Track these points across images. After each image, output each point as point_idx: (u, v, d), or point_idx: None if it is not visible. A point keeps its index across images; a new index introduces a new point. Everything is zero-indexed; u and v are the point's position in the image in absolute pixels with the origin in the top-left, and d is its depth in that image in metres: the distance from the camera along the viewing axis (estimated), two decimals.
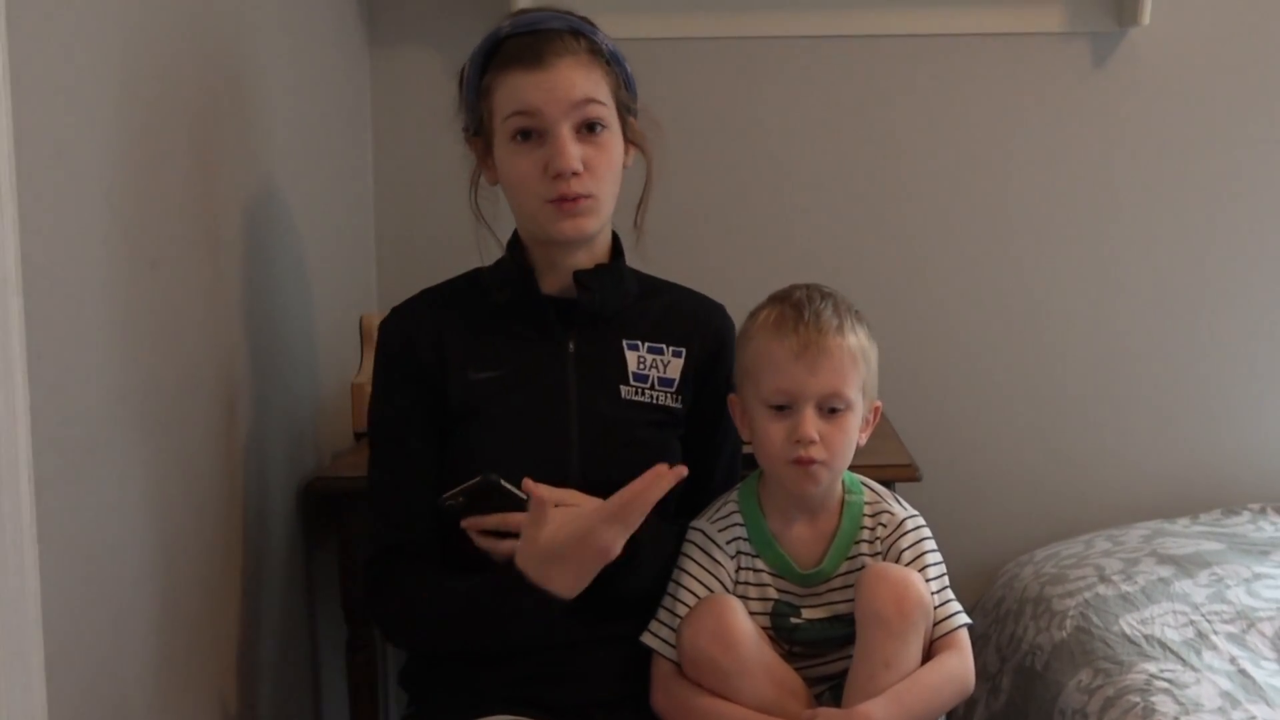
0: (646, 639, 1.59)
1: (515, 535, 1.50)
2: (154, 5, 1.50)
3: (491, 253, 1.65)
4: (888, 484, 1.72)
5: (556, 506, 1.46)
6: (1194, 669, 1.84)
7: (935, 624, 1.54)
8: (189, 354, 1.59)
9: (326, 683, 2.19)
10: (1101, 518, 2.56)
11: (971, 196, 2.54)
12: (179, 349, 1.56)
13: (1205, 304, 2.56)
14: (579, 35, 1.55)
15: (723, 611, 1.52)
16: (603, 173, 1.54)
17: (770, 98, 2.51)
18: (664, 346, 1.65)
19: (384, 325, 1.65)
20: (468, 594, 1.51)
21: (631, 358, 1.63)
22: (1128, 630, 1.97)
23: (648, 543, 1.54)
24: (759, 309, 1.60)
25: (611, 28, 1.64)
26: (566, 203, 1.53)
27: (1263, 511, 2.47)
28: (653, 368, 1.64)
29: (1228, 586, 2.07)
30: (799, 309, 1.55)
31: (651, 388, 1.63)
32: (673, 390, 1.64)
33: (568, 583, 1.44)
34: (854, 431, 1.56)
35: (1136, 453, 2.59)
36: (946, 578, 1.59)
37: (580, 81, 1.52)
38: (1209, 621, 1.98)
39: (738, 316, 1.69)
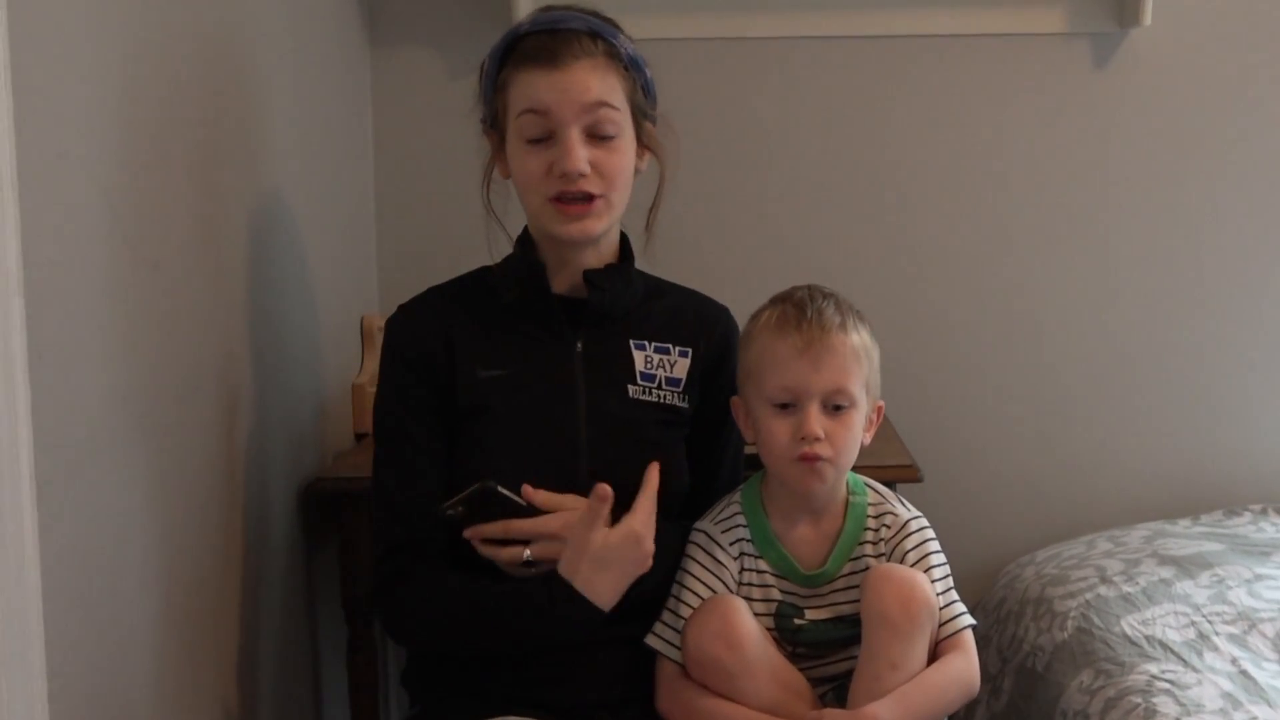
0: (651, 641, 1.58)
1: (517, 542, 1.50)
2: (155, 7, 1.50)
3: (501, 248, 1.65)
4: (889, 485, 1.72)
5: (558, 512, 1.49)
6: (1195, 670, 1.84)
7: (940, 625, 1.54)
8: (190, 355, 1.59)
9: (327, 683, 2.19)
10: (1102, 519, 2.56)
11: (972, 197, 2.54)
12: (180, 350, 1.56)
13: (1206, 304, 2.56)
14: (597, 38, 1.54)
15: (727, 612, 1.52)
16: (612, 176, 1.54)
17: (771, 98, 2.51)
18: (670, 347, 1.65)
19: (391, 322, 1.64)
20: (494, 599, 1.51)
21: (639, 357, 1.63)
22: (1129, 631, 1.97)
23: (658, 545, 1.55)
24: (761, 310, 1.60)
25: None
26: (573, 205, 1.53)
27: (1264, 512, 2.47)
28: (659, 367, 1.64)
29: (1229, 588, 2.07)
30: (801, 307, 1.55)
31: (659, 387, 1.63)
32: (679, 390, 1.64)
33: (610, 590, 1.49)
34: (858, 429, 1.56)
35: (1137, 454, 2.59)
36: (951, 579, 1.59)
37: (594, 84, 1.51)
38: (1210, 622, 1.98)
39: (738, 316, 1.69)
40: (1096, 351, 2.57)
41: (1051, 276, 2.55)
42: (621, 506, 1.51)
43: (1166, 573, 2.14)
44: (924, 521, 1.63)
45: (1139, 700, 1.77)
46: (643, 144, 1.59)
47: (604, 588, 1.48)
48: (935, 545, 1.60)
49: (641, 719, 1.58)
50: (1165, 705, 1.74)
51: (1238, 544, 2.27)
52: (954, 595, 1.58)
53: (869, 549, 1.60)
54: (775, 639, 1.57)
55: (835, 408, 1.54)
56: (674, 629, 1.57)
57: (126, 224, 1.41)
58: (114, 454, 1.39)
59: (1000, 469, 2.59)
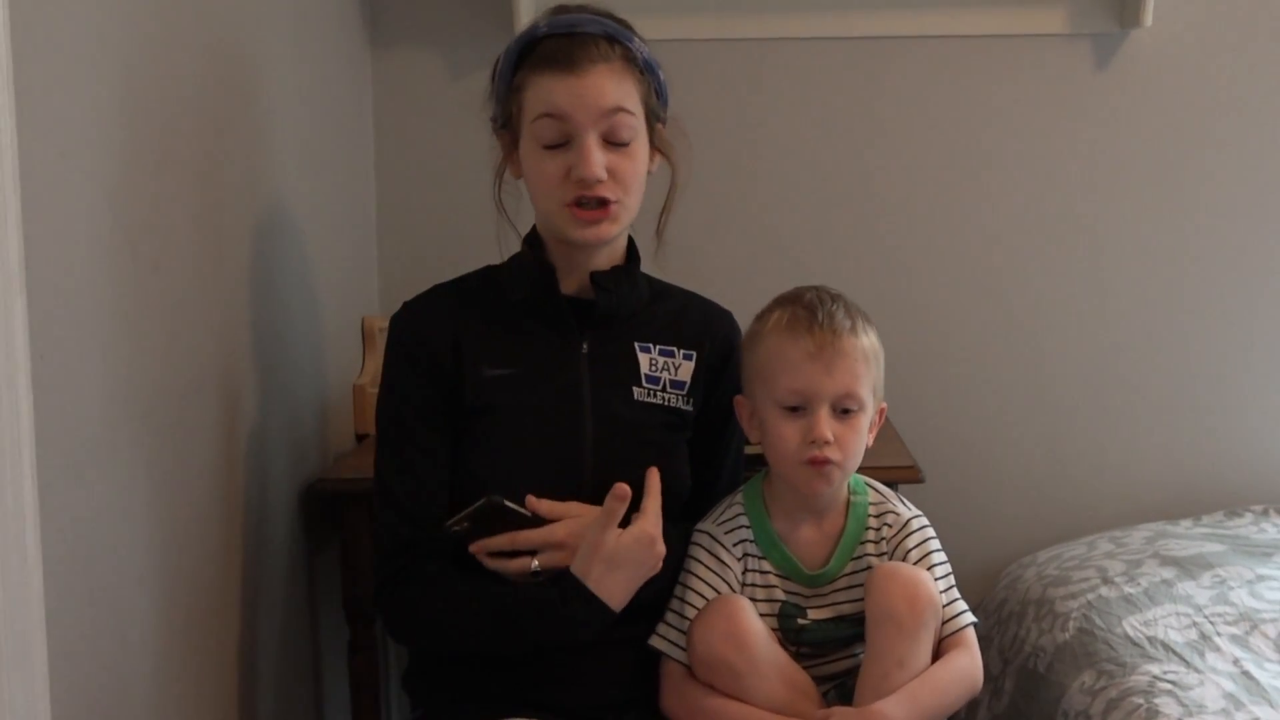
0: (655, 642, 1.58)
1: (525, 553, 1.50)
2: (157, 8, 1.50)
3: (511, 247, 1.65)
4: (891, 485, 1.72)
5: (563, 520, 1.51)
6: (1197, 671, 1.84)
7: (943, 623, 1.54)
8: (191, 356, 1.59)
9: (328, 684, 2.19)
10: (1104, 519, 2.56)
11: (973, 198, 2.54)
12: (181, 351, 1.56)
13: (1207, 305, 2.56)
14: (615, 42, 1.53)
15: (734, 612, 1.52)
16: (628, 181, 1.54)
17: (771, 99, 2.51)
18: (675, 349, 1.65)
19: (396, 320, 1.63)
20: (503, 600, 1.51)
21: (644, 360, 1.63)
22: (1131, 632, 1.96)
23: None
24: (768, 311, 1.60)
25: None
26: (590, 211, 1.53)
27: (1265, 513, 2.47)
28: (664, 370, 1.64)
29: (1231, 588, 2.07)
30: (812, 310, 1.55)
31: (663, 390, 1.63)
32: (684, 393, 1.65)
33: (621, 591, 1.49)
34: (865, 432, 1.57)
35: (1138, 454, 2.59)
36: (952, 576, 1.60)
37: (611, 90, 1.51)
38: (1212, 623, 1.98)
39: (741, 317, 1.69)
40: (1097, 352, 2.57)
41: (1052, 277, 2.55)
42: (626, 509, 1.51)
43: (1168, 573, 2.14)
44: (925, 520, 1.63)
45: (1141, 701, 1.77)
46: (654, 146, 1.60)
47: (616, 588, 1.48)
48: (936, 544, 1.61)
49: None
50: (1167, 706, 1.74)
51: (1239, 545, 2.27)
52: (956, 593, 1.59)
53: (871, 548, 1.60)
54: (779, 639, 1.57)
55: (844, 411, 1.54)
56: (678, 630, 1.57)
57: (128, 225, 1.41)
58: (115, 455, 1.39)
59: (1001, 470, 2.59)
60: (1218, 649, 1.91)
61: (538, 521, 1.52)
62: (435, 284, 1.67)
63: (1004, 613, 2.26)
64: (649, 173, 1.60)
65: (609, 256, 1.62)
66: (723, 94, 2.50)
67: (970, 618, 1.58)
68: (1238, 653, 1.90)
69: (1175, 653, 1.90)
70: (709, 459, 1.70)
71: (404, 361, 1.59)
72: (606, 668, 1.57)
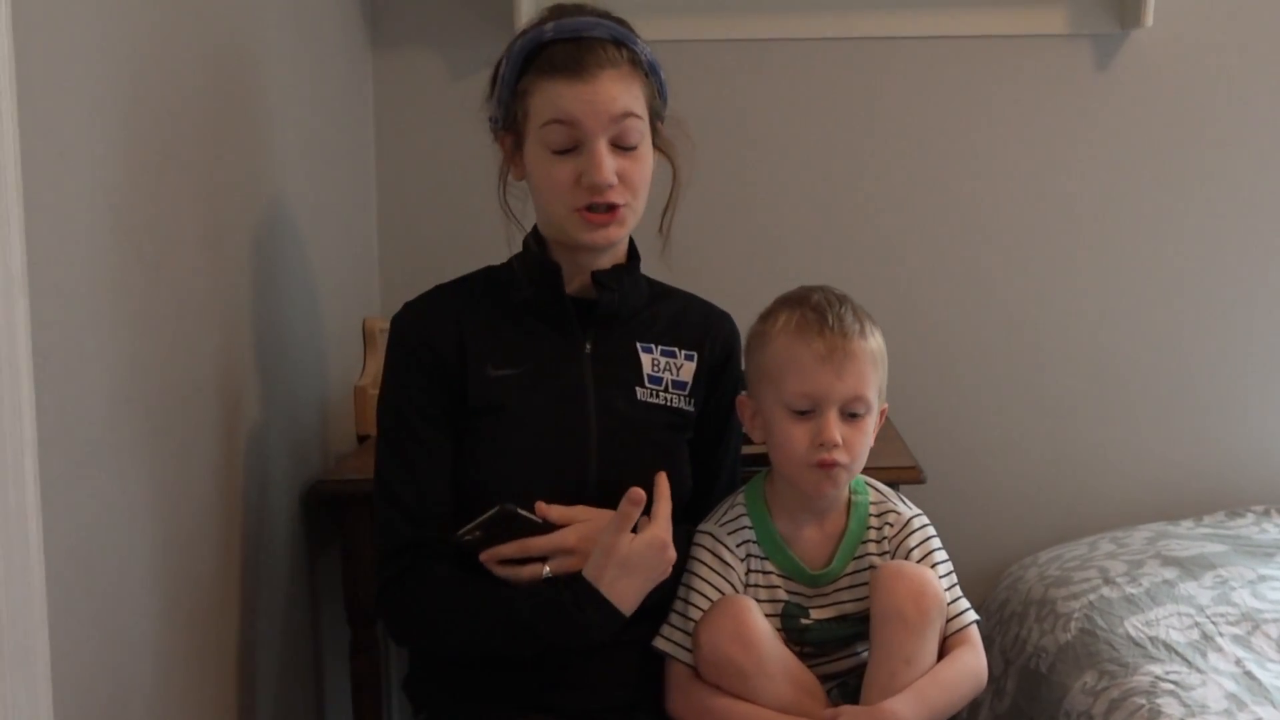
0: (659, 644, 1.58)
1: (535, 560, 1.50)
2: (158, 8, 1.50)
3: (517, 247, 1.64)
4: (892, 486, 1.72)
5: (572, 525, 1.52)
6: (1199, 671, 1.84)
7: (947, 620, 1.54)
8: (192, 356, 1.59)
9: (329, 686, 2.19)
10: (1105, 520, 2.56)
11: (974, 198, 2.54)
12: (182, 351, 1.56)
13: (1209, 306, 2.56)
14: (621, 45, 1.54)
15: (740, 612, 1.52)
16: (636, 184, 1.55)
17: (771, 100, 2.51)
18: (677, 350, 1.65)
19: (398, 320, 1.62)
20: (510, 602, 1.50)
21: (646, 360, 1.63)
22: (1133, 632, 1.96)
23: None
24: (774, 312, 1.60)
25: None
26: (599, 215, 1.53)
27: (1266, 513, 2.47)
28: (666, 370, 1.64)
29: (1232, 589, 2.07)
30: (821, 313, 1.55)
31: (665, 390, 1.63)
32: (685, 394, 1.65)
33: (633, 596, 1.49)
34: (872, 434, 1.57)
35: (1139, 455, 2.59)
36: (954, 575, 1.60)
37: (620, 95, 1.51)
38: (1214, 623, 1.97)
39: (740, 317, 1.69)
40: (1098, 352, 2.57)
41: (1053, 277, 2.55)
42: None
43: (1170, 574, 2.14)
44: (925, 519, 1.63)
45: (1143, 701, 1.77)
46: (656, 146, 1.60)
47: (628, 593, 1.49)
48: (938, 542, 1.61)
49: None
50: (1170, 706, 1.74)
51: (1240, 545, 2.27)
52: (958, 591, 1.59)
53: (872, 547, 1.60)
54: (782, 639, 1.57)
55: (851, 414, 1.54)
56: (683, 631, 1.57)
57: (130, 226, 1.41)
58: (117, 456, 1.39)
59: (1002, 470, 2.59)
60: (1220, 649, 1.91)
61: (548, 528, 1.51)
62: (436, 285, 1.67)
63: (1005, 613, 2.26)
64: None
65: (610, 256, 1.62)
66: (723, 94, 2.50)
67: (973, 615, 1.58)
68: (1240, 653, 1.90)
69: (1177, 653, 1.90)
70: (708, 459, 1.70)
71: (407, 361, 1.59)
72: (611, 670, 1.57)
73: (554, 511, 1.52)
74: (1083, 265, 2.55)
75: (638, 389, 1.62)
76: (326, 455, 2.16)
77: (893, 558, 1.59)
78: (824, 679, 1.59)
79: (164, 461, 1.51)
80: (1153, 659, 1.88)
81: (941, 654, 1.54)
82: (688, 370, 1.65)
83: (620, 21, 1.57)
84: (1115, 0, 2.45)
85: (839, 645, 1.60)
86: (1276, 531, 2.37)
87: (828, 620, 1.59)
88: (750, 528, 1.61)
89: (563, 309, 1.60)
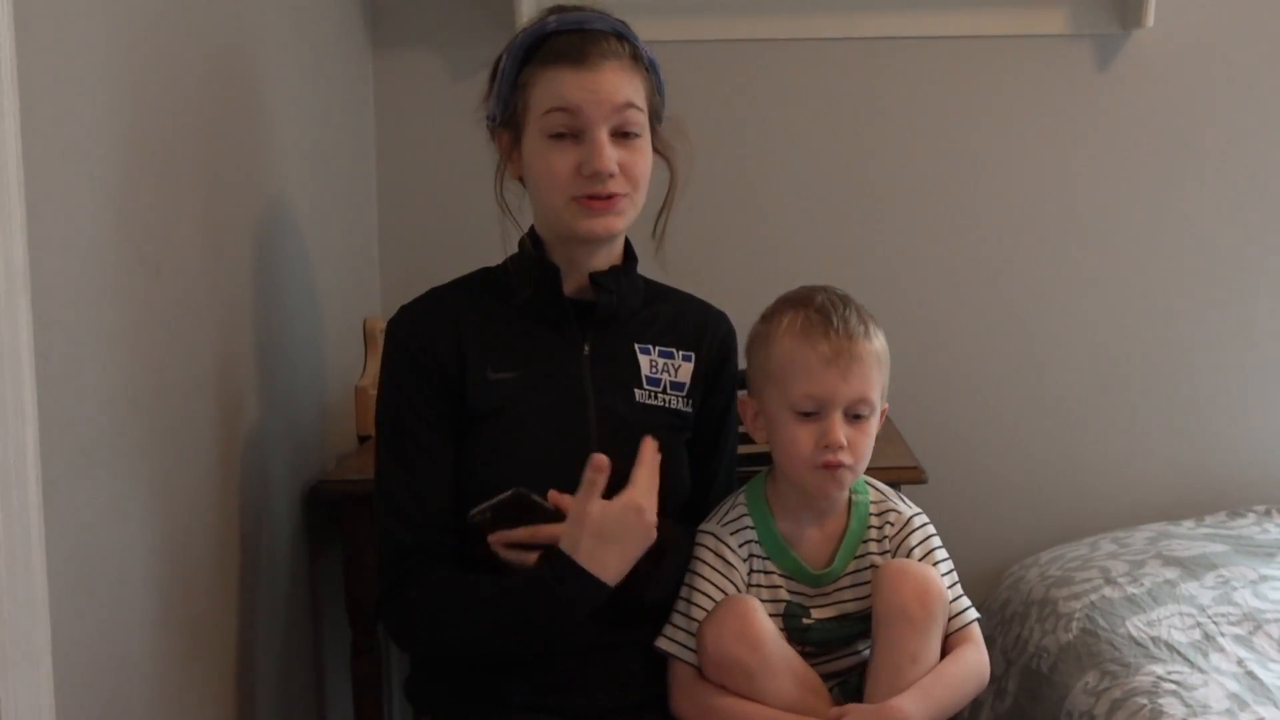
0: (662, 644, 1.58)
1: (543, 547, 1.50)
2: (159, 9, 1.50)
3: (514, 247, 1.64)
4: (894, 486, 1.73)
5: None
6: (1201, 671, 1.84)
7: (949, 619, 1.55)
8: (193, 357, 1.59)
9: (331, 687, 2.18)
10: (1106, 520, 2.56)
11: (975, 198, 2.54)
12: (183, 352, 1.56)
13: (1210, 306, 2.56)
14: (623, 40, 1.54)
15: (746, 612, 1.52)
16: (636, 176, 1.54)
17: (771, 100, 2.51)
18: (674, 351, 1.65)
19: (395, 323, 1.62)
20: (504, 591, 1.49)
21: (644, 362, 1.63)
22: (1134, 632, 1.96)
23: (672, 549, 1.56)
24: (777, 313, 1.59)
25: None
26: (598, 201, 1.52)
27: (1268, 513, 2.47)
28: (664, 371, 1.64)
29: (1234, 589, 2.07)
30: (825, 314, 1.55)
31: (664, 391, 1.63)
32: (684, 394, 1.65)
33: (614, 565, 1.46)
34: (874, 435, 1.57)
35: (1141, 455, 2.59)
36: (955, 573, 1.60)
37: (623, 85, 1.52)
38: (1215, 623, 1.97)
39: (740, 318, 1.69)
40: (1099, 352, 2.57)
41: (1054, 278, 2.55)
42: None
43: (1171, 574, 2.14)
44: (925, 518, 1.64)
45: (1145, 701, 1.77)
46: (654, 148, 1.60)
47: (608, 561, 1.46)
48: (938, 541, 1.62)
49: None
50: (1171, 706, 1.74)
51: (1242, 545, 2.27)
52: (960, 589, 1.60)
53: (873, 547, 1.61)
54: (784, 638, 1.57)
55: (856, 416, 1.55)
56: (687, 631, 1.57)
57: (131, 226, 1.41)
58: (118, 456, 1.38)
59: (1004, 471, 2.59)
60: (1221, 649, 1.91)
61: (559, 516, 1.50)
62: (432, 287, 1.66)
63: (1007, 613, 2.26)
64: None
65: (607, 257, 1.62)
66: (723, 95, 2.50)
67: (975, 613, 1.59)
68: (1241, 653, 1.90)
69: (1179, 653, 1.90)
70: (706, 460, 1.70)
71: (406, 365, 1.58)
72: (617, 671, 1.56)
73: (566, 500, 1.51)
74: (1084, 265, 2.55)
75: (636, 390, 1.62)
76: (327, 456, 2.16)
77: (894, 557, 1.59)
78: (825, 678, 1.59)
79: (165, 462, 1.50)
80: (1154, 659, 1.88)
81: (943, 652, 1.54)
82: (685, 371, 1.65)
83: (621, 21, 1.57)
84: (1116, 0, 2.45)
85: (840, 644, 1.60)
86: (1278, 531, 2.37)
87: (829, 620, 1.59)
88: (752, 528, 1.61)
89: (561, 311, 1.60)
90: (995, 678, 2.16)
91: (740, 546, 1.60)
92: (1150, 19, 2.40)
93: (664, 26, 2.37)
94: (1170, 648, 1.92)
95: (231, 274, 1.72)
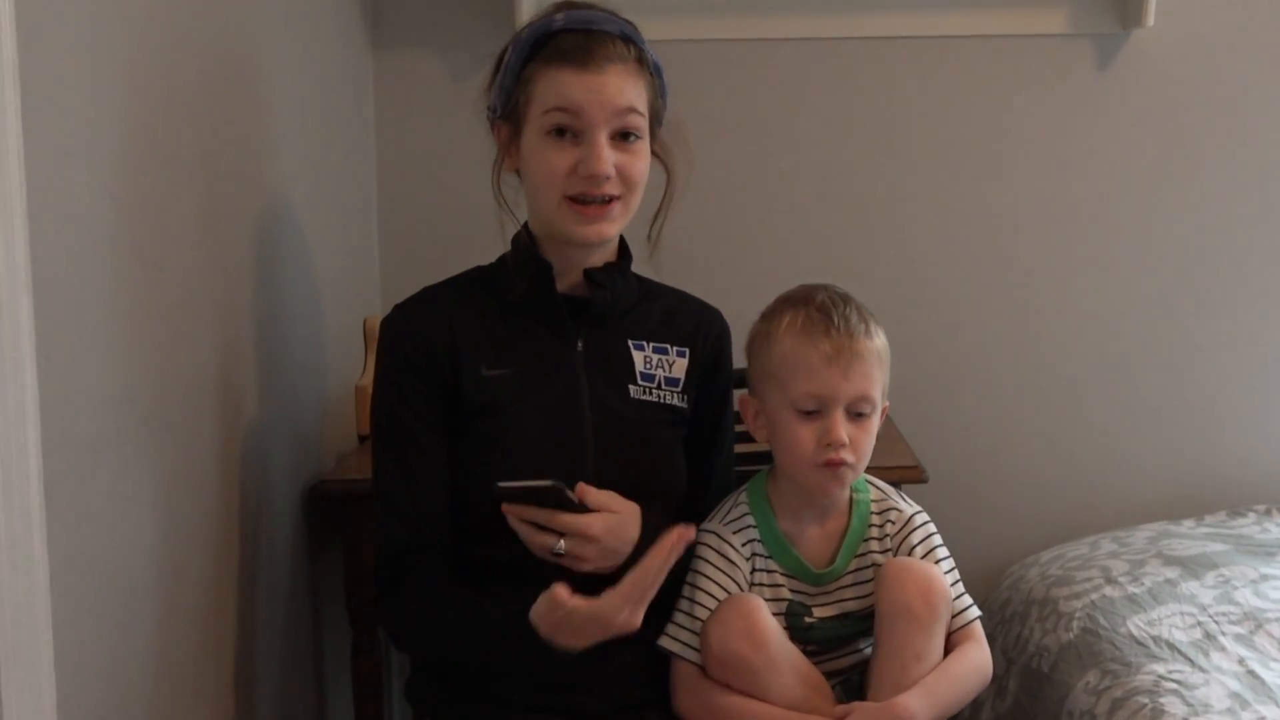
0: (665, 643, 1.58)
1: (554, 532, 1.48)
2: (160, 10, 1.50)
3: (510, 241, 1.64)
4: (895, 485, 1.72)
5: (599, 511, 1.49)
6: (1202, 670, 1.84)
7: (952, 616, 1.55)
8: (194, 356, 1.59)
9: (331, 686, 2.18)
10: (1106, 519, 2.56)
11: (976, 198, 2.54)
12: (184, 351, 1.56)
13: (1210, 305, 2.56)
14: (629, 42, 1.54)
15: (750, 611, 1.52)
16: (632, 180, 1.54)
17: (772, 100, 2.51)
18: (668, 347, 1.65)
19: (389, 322, 1.62)
20: (484, 620, 1.49)
21: (638, 358, 1.63)
22: (1135, 632, 1.96)
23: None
24: (778, 311, 1.60)
25: None
26: (591, 208, 1.52)
27: (1268, 513, 2.47)
28: (659, 368, 1.64)
29: (1235, 588, 2.07)
30: (826, 313, 1.55)
31: (658, 387, 1.63)
32: (678, 390, 1.65)
33: (579, 645, 1.41)
34: (875, 433, 1.57)
35: (1141, 454, 2.59)
36: (957, 571, 1.60)
37: (626, 89, 1.52)
38: (1216, 623, 1.98)
39: (742, 317, 1.69)
40: (1099, 352, 2.57)
41: (1055, 277, 2.55)
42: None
43: (1172, 573, 2.14)
44: (926, 516, 1.64)
45: (1146, 700, 1.77)
46: (653, 151, 1.59)
47: (569, 643, 1.41)
48: (939, 539, 1.62)
49: None
50: (1172, 705, 1.74)
51: (1242, 544, 2.27)
52: (961, 587, 1.60)
53: (875, 545, 1.61)
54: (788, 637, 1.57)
55: (858, 414, 1.55)
56: (690, 630, 1.57)
57: (131, 225, 1.41)
58: (119, 455, 1.38)
59: (1004, 470, 2.59)
60: (1222, 648, 1.91)
61: (581, 509, 1.49)
62: (425, 285, 1.66)
63: (1007, 613, 2.26)
64: None
65: (602, 254, 1.62)
66: (722, 95, 2.50)
67: (976, 611, 1.59)
68: (1242, 652, 1.90)
69: (1180, 652, 1.90)
70: (704, 456, 1.70)
71: (400, 364, 1.58)
72: (620, 670, 1.56)
73: (591, 495, 1.50)
74: (1084, 264, 2.55)
75: (630, 387, 1.62)
76: (327, 455, 2.16)
77: (895, 555, 1.59)
78: (826, 676, 1.59)
79: (166, 461, 1.50)
80: (1155, 658, 1.88)
81: (946, 650, 1.54)
82: (680, 367, 1.65)
83: (628, 22, 1.57)
84: (1116, 0, 2.45)
85: (842, 643, 1.61)
86: (1278, 531, 2.37)
87: (831, 618, 1.59)
88: (754, 526, 1.61)
89: (555, 307, 1.60)
90: (996, 677, 2.16)
91: (743, 545, 1.60)
92: (1150, 19, 2.40)
93: (665, 26, 2.36)
94: (1171, 647, 1.92)
95: (232, 273, 1.72)
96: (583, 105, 1.50)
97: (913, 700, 1.48)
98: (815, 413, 1.54)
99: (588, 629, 1.39)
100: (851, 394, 1.53)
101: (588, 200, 1.52)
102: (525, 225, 1.63)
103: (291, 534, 1.98)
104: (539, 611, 1.41)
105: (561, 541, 1.48)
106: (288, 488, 1.96)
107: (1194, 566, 2.16)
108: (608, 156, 1.51)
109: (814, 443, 1.54)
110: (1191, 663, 1.87)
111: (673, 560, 1.37)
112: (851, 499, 1.63)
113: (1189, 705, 1.73)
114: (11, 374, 1.14)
